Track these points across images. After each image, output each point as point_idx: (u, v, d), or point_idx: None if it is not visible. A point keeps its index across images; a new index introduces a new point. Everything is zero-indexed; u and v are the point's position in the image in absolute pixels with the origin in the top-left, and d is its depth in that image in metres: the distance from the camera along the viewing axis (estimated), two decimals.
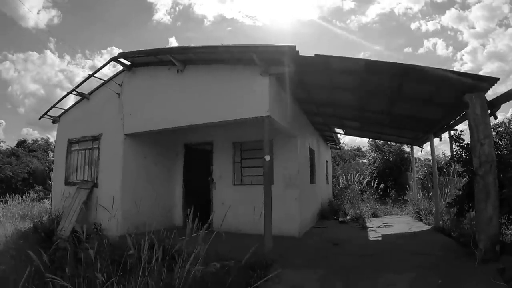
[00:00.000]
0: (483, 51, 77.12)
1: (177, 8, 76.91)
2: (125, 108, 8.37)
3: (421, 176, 13.41)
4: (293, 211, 8.26)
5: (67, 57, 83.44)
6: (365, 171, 18.06)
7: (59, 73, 74.58)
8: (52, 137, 32.27)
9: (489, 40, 77.84)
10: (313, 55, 5.86)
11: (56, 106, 9.96)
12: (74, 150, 9.70)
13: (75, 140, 9.58)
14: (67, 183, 9.53)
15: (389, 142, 18.47)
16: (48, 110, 10.01)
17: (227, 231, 6.17)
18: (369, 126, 11.34)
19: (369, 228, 9.61)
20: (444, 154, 15.62)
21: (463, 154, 6.51)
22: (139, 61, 8.29)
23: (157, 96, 7.96)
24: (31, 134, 67.91)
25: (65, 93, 9.78)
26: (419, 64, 5.72)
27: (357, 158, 24.98)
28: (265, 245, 5.91)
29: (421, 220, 10.51)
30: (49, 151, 29.57)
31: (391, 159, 17.65)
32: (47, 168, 22.08)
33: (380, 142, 18.86)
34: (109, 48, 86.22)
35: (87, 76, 8.78)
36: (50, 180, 13.32)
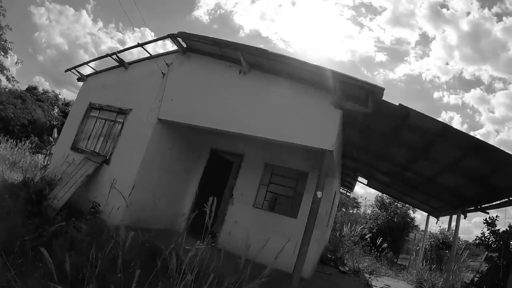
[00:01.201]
0: (496, 136, 78.47)
1: (218, 11, 77.39)
2: (167, 91, 7.48)
3: (427, 247, 12.79)
4: (310, 252, 7.38)
5: (100, 23, 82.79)
6: (364, 225, 17.29)
7: (88, 35, 73.68)
8: (63, 94, 31.00)
9: (504, 128, 79.41)
10: (397, 104, 5.31)
11: (89, 64, 9.02)
12: (92, 116, 8.72)
13: (98, 106, 8.61)
14: (74, 148, 8.50)
15: (395, 203, 17.83)
16: (79, 65, 9.09)
17: (233, 252, 5.55)
18: (398, 185, 10.63)
19: (374, 287, 9.02)
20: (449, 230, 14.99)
21: (492, 239, 6.48)
22: (199, 48, 7.46)
23: (208, 91, 7.09)
24: (42, 84, 66.28)
25: (94, 55, 8.88)
26: (492, 144, 5.48)
27: (356, 209, 24.31)
28: (293, 282, 5.17)
29: None
30: (55, 107, 28.19)
31: (395, 219, 16.93)
32: (48, 122, 20.81)
33: (387, 200, 18.23)
34: (142, 28, 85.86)
35: (136, 44, 7.89)
36: (50, 136, 12.23)
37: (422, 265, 11.55)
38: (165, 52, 7.95)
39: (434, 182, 8.43)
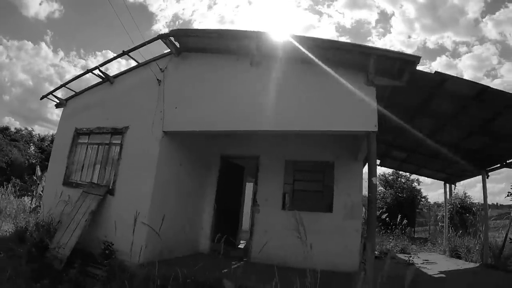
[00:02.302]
0: None
1: (177, 22, 75.82)
2: (167, 99, 6.41)
3: (449, 215, 12.45)
4: (352, 244, 6.81)
5: (61, 53, 79.14)
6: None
7: (50, 67, 70.07)
8: (35, 130, 28.80)
9: None
10: (434, 72, 5.01)
11: (66, 86, 7.74)
12: (82, 143, 7.47)
13: (86, 131, 7.37)
14: (67, 183, 7.22)
15: (399, 178, 17.46)
16: (57, 89, 7.80)
17: (268, 263, 5.21)
18: (416, 158, 10.11)
19: (416, 265, 8.38)
20: (465, 193, 14.76)
21: None
22: (196, 45, 6.45)
23: (215, 90, 6.14)
24: (13, 123, 62.24)
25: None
26: None
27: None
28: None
29: (459, 257, 9.58)
30: (31, 144, 25.92)
31: (404, 195, 16.50)
32: (26, 161, 18.87)
33: (391, 177, 17.83)
34: (103, 51, 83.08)
35: (121, 52, 6.75)
36: (34, 175, 10.75)
37: (449, 233, 11.18)
38: (155, 57, 6.85)
39: (459, 148, 8.09)
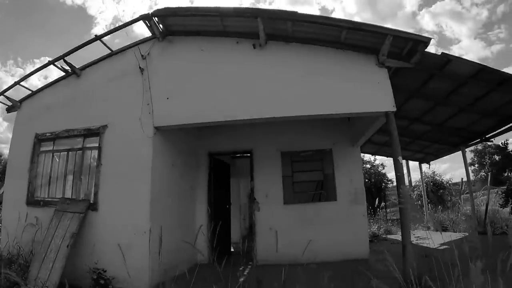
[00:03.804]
0: None
1: (117, 24, 71.29)
2: (154, 89, 5.27)
3: (420, 192, 12.81)
4: (361, 230, 6.57)
5: None
6: None
7: None
8: None
9: None
10: (440, 53, 4.97)
11: (20, 84, 6.14)
12: (46, 151, 5.96)
13: (50, 136, 5.87)
14: (32, 202, 5.69)
15: (365, 165, 17.67)
16: (8, 89, 6.13)
17: (278, 263, 4.31)
18: (401, 143, 10.01)
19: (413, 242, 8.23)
20: (434, 172, 15.40)
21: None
22: (185, 28, 5.43)
23: (211, 77, 5.23)
24: None
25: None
26: None
27: None
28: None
29: (446, 230, 9.71)
30: None
31: (372, 180, 16.67)
32: None
33: None
34: (42, 58, 75.36)
35: (93, 38, 5.41)
36: None
37: (429, 209, 11.46)
38: (135, 42, 5.64)
39: (444, 126, 8.19)
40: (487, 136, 8.26)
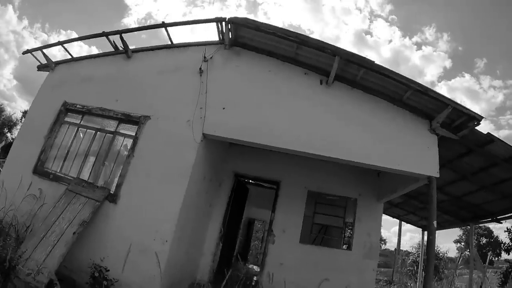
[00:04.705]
0: None
1: (148, 21, 70.48)
2: (210, 95, 4.97)
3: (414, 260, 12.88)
4: (369, 284, 6.36)
5: (26, 21, 66.72)
6: None
7: (11, 33, 57.94)
8: None
9: None
10: (486, 133, 4.97)
11: (63, 45, 5.66)
12: (71, 123, 5.45)
13: (80, 109, 5.39)
14: (41, 171, 5.12)
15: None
16: (50, 46, 5.64)
17: None
18: (409, 205, 10.05)
19: None
20: (437, 246, 15.73)
21: None
22: (253, 43, 5.27)
23: (272, 101, 5.01)
24: None
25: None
26: None
27: None
28: None
29: None
30: None
31: None
32: None
33: None
34: (68, 31, 72.93)
35: (160, 23, 5.11)
36: None
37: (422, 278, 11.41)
38: (199, 42, 5.37)
39: (459, 199, 8.10)
40: (498, 217, 8.29)
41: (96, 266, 4.17)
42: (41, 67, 5.88)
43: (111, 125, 5.23)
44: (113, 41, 5.46)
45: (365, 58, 4.76)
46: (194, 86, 5.06)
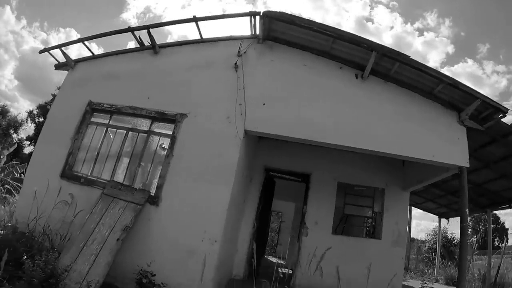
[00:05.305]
0: None
1: (148, 15, 68.81)
2: (249, 91, 4.81)
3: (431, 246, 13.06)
4: (399, 272, 6.40)
5: (24, 21, 63.63)
6: None
7: (9, 33, 54.94)
8: None
9: None
10: (510, 124, 5.19)
11: (84, 41, 5.32)
12: (99, 124, 5.16)
13: (108, 108, 5.10)
14: (70, 176, 4.83)
15: None
16: (65, 44, 5.31)
17: None
18: (428, 193, 10.13)
19: None
20: (452, 233, 16.24)
21: None
22: (287, 37, 5.13)
23: (308, 95, 4.96)
24: None
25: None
26: None
27: None
28: None
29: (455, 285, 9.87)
30: None
31: None
32: None
33: None
34: (67, 29, 70.13)
35: (191, 18, 4.89)
36: None
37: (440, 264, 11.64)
38: (231, 36, 5.18)
39: (480, 187, 8.31)
40: None
41: (142, 271, 3.97)
42: (59, 66, 5.51)
43: (144, 124, 4.99)
44: (139, 37, 5.19)
45: (401, 53, 4.77)
46: (229, 81, 4.89)
